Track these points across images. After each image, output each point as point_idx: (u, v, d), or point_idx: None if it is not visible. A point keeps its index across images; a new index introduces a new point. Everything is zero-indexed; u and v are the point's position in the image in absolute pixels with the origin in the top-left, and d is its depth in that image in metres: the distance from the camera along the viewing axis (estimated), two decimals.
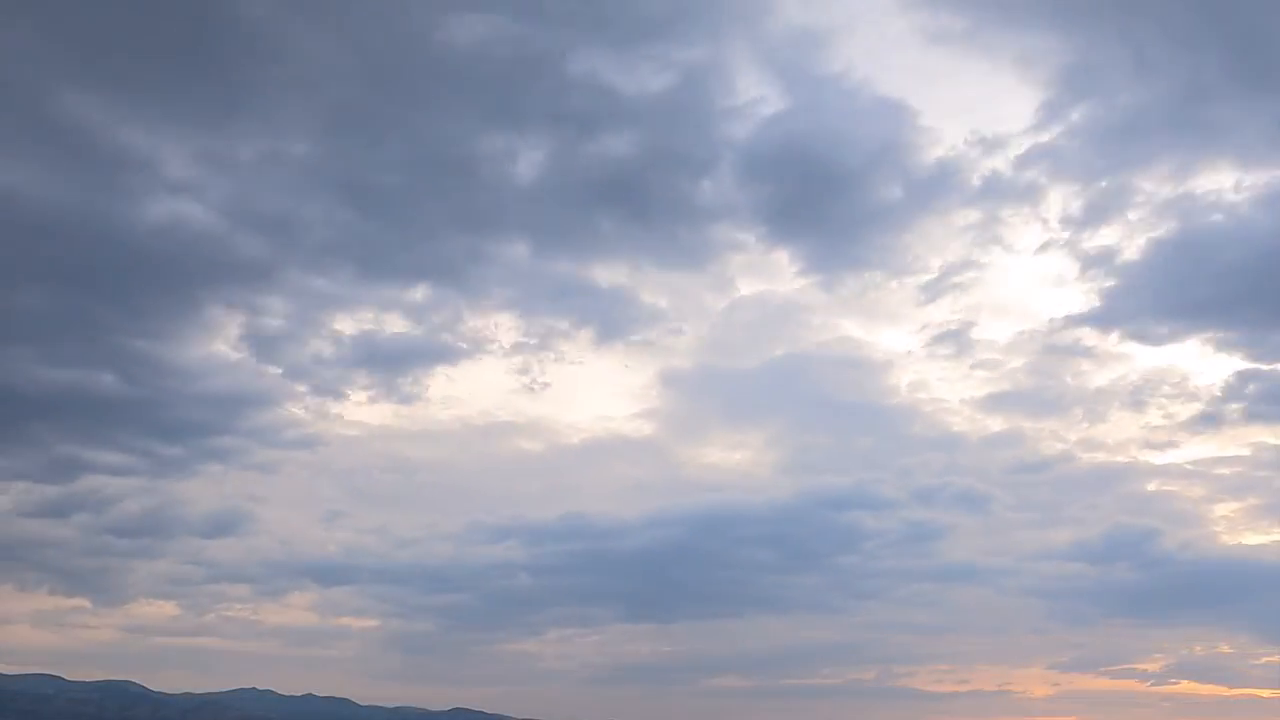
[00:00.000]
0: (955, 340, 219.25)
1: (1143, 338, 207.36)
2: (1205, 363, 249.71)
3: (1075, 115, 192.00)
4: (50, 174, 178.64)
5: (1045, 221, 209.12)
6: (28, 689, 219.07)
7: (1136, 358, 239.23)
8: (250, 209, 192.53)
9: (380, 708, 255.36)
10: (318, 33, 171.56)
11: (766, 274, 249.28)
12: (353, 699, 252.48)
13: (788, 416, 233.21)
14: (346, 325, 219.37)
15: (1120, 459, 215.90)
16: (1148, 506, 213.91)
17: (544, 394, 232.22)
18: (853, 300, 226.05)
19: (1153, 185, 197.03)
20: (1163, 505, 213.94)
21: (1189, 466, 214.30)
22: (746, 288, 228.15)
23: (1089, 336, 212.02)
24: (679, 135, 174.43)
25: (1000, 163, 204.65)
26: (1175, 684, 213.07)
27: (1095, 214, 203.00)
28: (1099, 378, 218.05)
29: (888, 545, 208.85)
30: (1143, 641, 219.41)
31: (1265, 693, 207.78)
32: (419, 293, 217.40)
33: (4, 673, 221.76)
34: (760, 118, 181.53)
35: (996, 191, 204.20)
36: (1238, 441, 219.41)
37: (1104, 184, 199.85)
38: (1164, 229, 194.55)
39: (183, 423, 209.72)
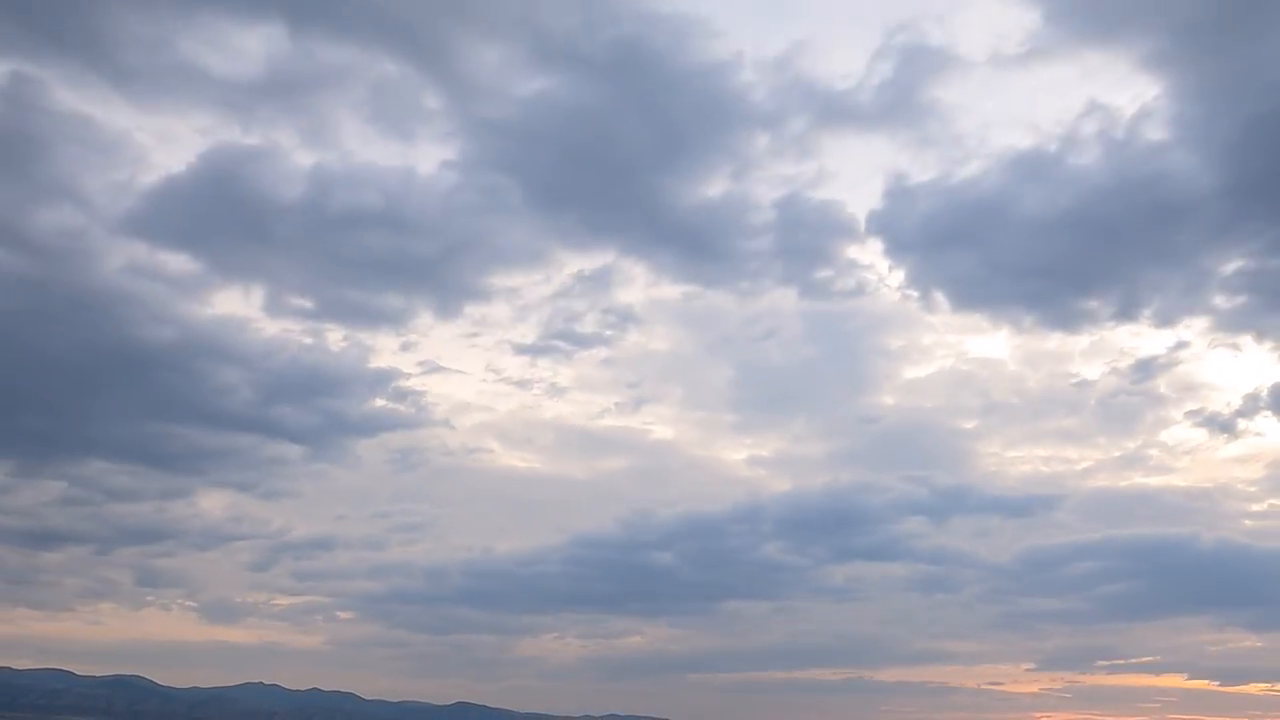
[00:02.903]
0: None
1: None
2: None
3: None
4: None
5: None
6: (38, 684, 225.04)
7: None
8: None
9: (384, 702, 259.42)
10: None
11: None
12: (357, 693, 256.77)
13: None
14: None
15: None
16: None
17: None
18: None
19: None
20: None
21: None
22: None
23: None
24: None
25: None
26: (1164, 679, 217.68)
27: None
28: None
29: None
30: (1131, 640, 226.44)
31: (1254, 688, 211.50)
32: None
33: (15, 668, 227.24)
34: None
35: None
36: None
37: None
38: None
39: None
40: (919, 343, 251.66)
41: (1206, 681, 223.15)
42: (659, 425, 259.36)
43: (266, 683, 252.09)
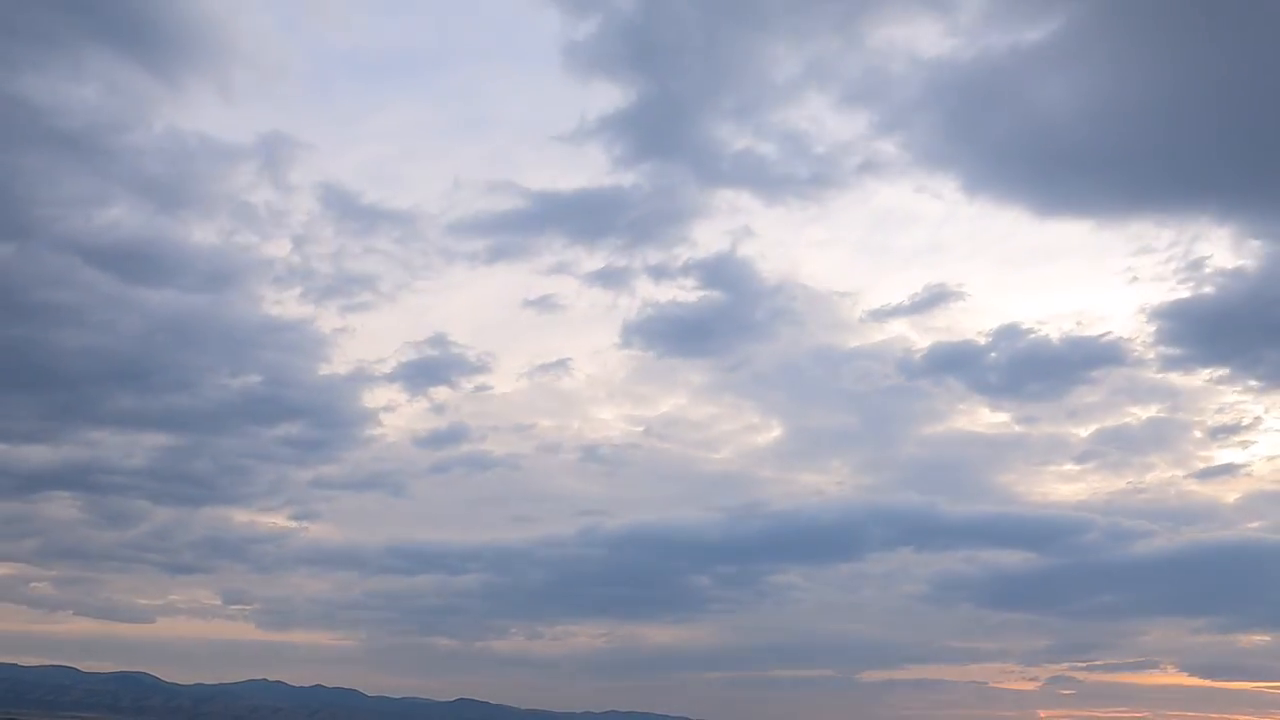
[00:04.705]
0: None
1: None
2: None
3: None
4: None
5: None
6: (46, 680, 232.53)
7: None
8: None
9: (387, 698, 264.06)
10: None
11: None
12: (360, 689, 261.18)
13: None
14: None
15: None
16: None
17: None
18: None
19: None
20: None
21: None
22: None
23: None
24: None
25: None
26: (1163, 677, 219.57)
27: None
28: None
29: None
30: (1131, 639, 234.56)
31: (1248, 685, 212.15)
32: None
33: (22, 664, 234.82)
34: None
35: None
36: None
37: None
38: None
39: None
40: (935, 408, 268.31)
41: (1201, 679, 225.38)
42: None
43: (271, 679, 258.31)
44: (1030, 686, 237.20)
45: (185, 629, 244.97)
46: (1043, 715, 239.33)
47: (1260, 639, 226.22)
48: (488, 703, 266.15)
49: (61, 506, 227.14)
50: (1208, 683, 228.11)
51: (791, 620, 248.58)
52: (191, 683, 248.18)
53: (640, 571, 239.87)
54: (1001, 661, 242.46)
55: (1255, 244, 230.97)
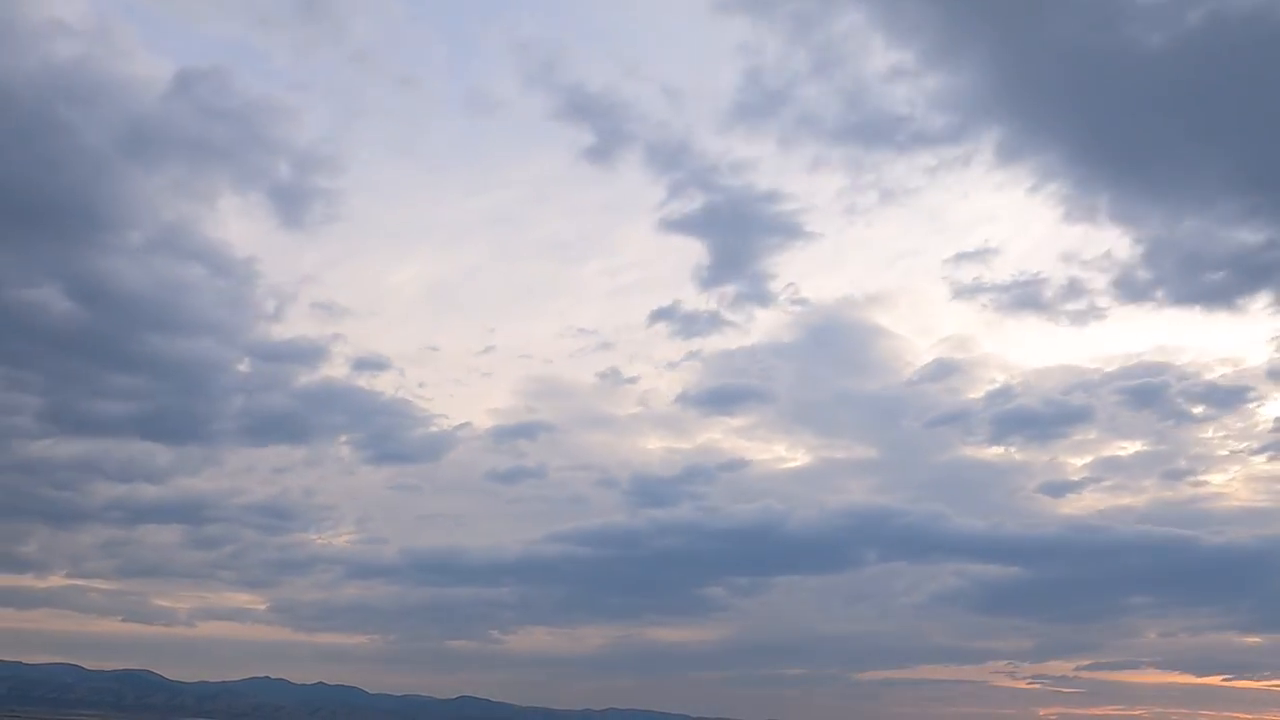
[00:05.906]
0: None
1: None
2: None
3: None
4: None
5: None
6: (49, 678, 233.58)
7: None
8: None
9: (389, 696, 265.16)
10: None
11: None
12: (362, 687, 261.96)
13: None
14: None
15: None
16: None
17: None
18: None
19: None
20: None
21: None
22: None
23: None
24: None
25: None
26: (1151, 674, 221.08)
27: None
28: None
29: None
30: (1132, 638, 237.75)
31: (1241, 684, 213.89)
32: None
33: (26, 662, 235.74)
34: None
35: None
36: None
37: None
38: None
39: None
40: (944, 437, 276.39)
41: (1196, 677, 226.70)
42: None
43: (273, 677, 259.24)
44: (1029, 685, 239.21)
45: (210, 631, 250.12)
46: (1042, 714, 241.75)
47: (1254, 640, 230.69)
48: (489, 700, 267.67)
49: (164, 534, 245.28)
50: (1203, 681, 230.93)
51: (793, 621, 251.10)
52: (194, 680, 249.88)
53: (654, 578, 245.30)
54: (1000, 661, 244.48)
55: None
